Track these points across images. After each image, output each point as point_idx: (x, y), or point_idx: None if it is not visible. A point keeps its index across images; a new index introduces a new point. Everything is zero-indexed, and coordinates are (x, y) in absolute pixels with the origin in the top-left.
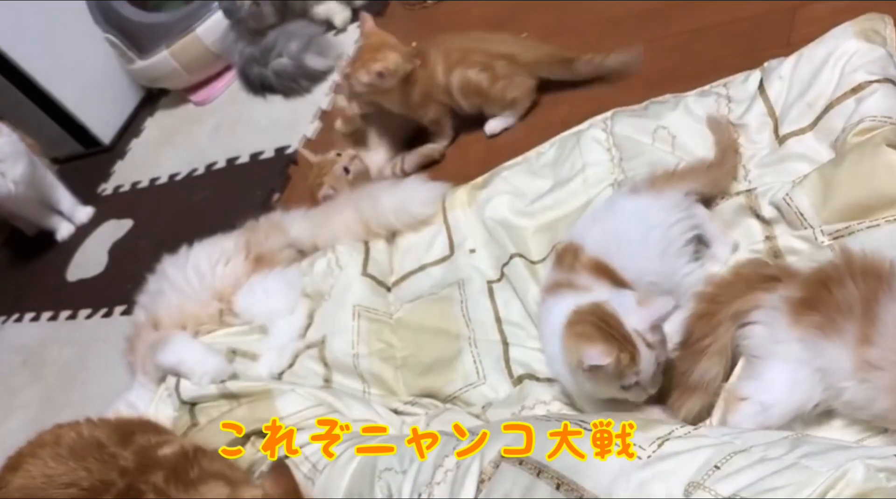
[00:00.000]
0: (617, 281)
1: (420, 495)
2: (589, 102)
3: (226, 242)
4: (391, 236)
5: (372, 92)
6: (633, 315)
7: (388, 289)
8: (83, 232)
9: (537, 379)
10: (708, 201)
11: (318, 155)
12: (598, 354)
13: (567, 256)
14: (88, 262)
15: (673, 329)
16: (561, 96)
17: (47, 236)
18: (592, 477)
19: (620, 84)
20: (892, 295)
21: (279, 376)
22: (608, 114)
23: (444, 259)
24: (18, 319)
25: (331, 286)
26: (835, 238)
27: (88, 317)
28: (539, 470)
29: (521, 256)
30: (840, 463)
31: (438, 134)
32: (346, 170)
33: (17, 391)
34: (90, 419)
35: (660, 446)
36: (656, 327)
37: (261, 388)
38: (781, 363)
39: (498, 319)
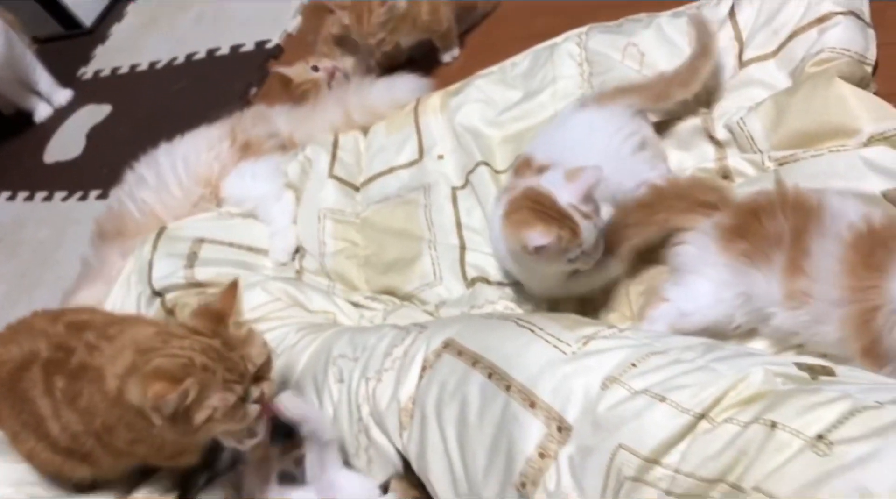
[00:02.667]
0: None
1: (369, 380)
2: (568, 15)
3: (212, 131)
4: (364, 133)
5: (391, 29)
6: (565, 190)
7: (357, 189)
8: (61, 115)
9: (488, 282)
10: (666, 121)
11: (292, 67)
12: (539, 235)
13: (522, 167)
14: (66, 145)
15: None
16: (541, 7)
17: (25, 117)
18: (521, 369)
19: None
20: (822, 229)
21: (294, 256)
22: (584, 28)
23: (412, 163)
24: None
25: (302, 186)
26: (780, 164)
27: (64, 199)
28: (475, 361)
29: (486, 164)
30: (744, 368)
31: (448, 45)
32: (329, 85)
33: None
34: (36, 311)
35: (585, 343)
36: (589, 197)
37: (228, 278)
38: (707, 282)
39: (458, 225)
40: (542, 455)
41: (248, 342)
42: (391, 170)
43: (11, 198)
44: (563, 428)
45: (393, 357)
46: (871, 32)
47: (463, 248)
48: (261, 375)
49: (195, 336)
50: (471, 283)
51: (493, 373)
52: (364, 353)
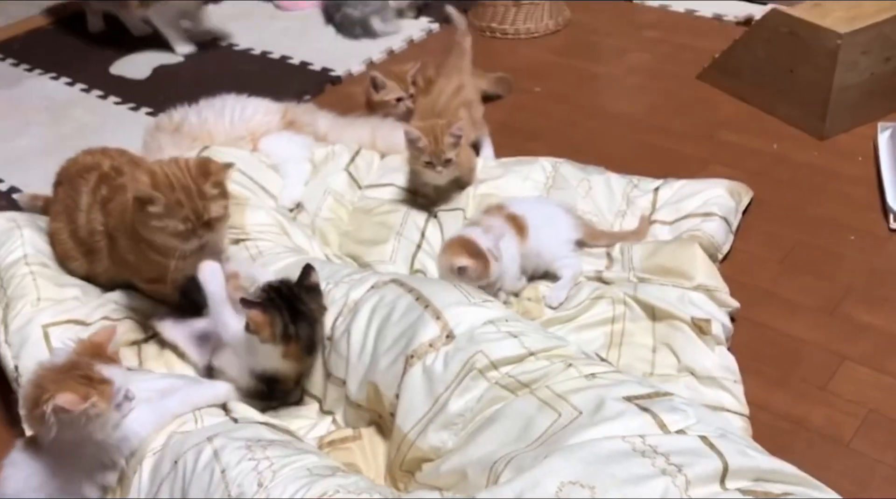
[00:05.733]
0: (520, 231)
1: (328, 284)
2: (555, 147)
3: (272, 104)
4: (382, 156)
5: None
6: (484, 240)
7: (360, 187)
8: (139, 42)
9: (425, 275)
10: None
11: (387, 84)
12: (463, 260)
13: (493, 209)
14: (134, 67)
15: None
16: (534, 136)
17: (111, 30)
18: (439, 299)
19: (585, 151)
20: None
21: (293, 208)
22: (562, 159)
23: (409, 189)
24: (55, 78)
25: (321, 168)
26: (639, 280)
27: (117, 104)
28: (410, 290)
29: (462, 210)
30: (566, 341)
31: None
32: (399, 99)
33: (33, 123)
34: (118, 148)
35: (484, 301)
36: (499, 247)
37: (243, 195)
38: None
39: (423, 234)
40: (430, 345)
41: (213, 200)
42: (392, 184)
43: (70, 84)
44: (450, 336)
45: (351, 277)
46: (731, 236)
47: (419, 247)
48: (213, 225)
49: (184, 175)
50: (413, 271)
51: (419, 297)
52: (329, 270)
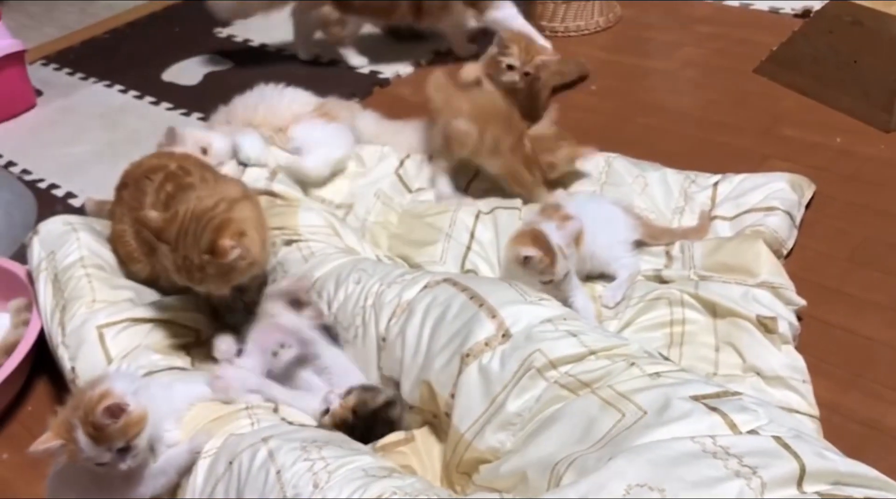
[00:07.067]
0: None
1: (381, 285)
2: (609, 144)
3: (311, 98)
4: (430, 159)
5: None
6: (556, 235)
7: (410, 191)
8: (190, 49)
9: (476, 274)
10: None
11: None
12: (530, 250)
13: (549, 209)
14: (184, 74)
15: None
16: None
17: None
18: (494, 298)
19: (639, 148)
20: None
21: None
22: (615, 154)
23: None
24: (108, 86)
25: (372, 169)
26: (700, 278)
27: (169, 109)
28: (464, 289)
29: (517, 209)
30: (628, 340)
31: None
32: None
33: (87, 130)
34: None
35: (540, 300)
36: (570, 245)
37: (294, 197)
38: None
39: (472, 235)
40: (486, 344)
41: (207, 266)
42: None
43: (123, 91)
44: (506, 335)
45: (403, 277)
46: (795, 231)
47: (468, 248)
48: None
49: (197, 226)
50: (465, 271)
51: (473, 296)
52: (380, 270)
